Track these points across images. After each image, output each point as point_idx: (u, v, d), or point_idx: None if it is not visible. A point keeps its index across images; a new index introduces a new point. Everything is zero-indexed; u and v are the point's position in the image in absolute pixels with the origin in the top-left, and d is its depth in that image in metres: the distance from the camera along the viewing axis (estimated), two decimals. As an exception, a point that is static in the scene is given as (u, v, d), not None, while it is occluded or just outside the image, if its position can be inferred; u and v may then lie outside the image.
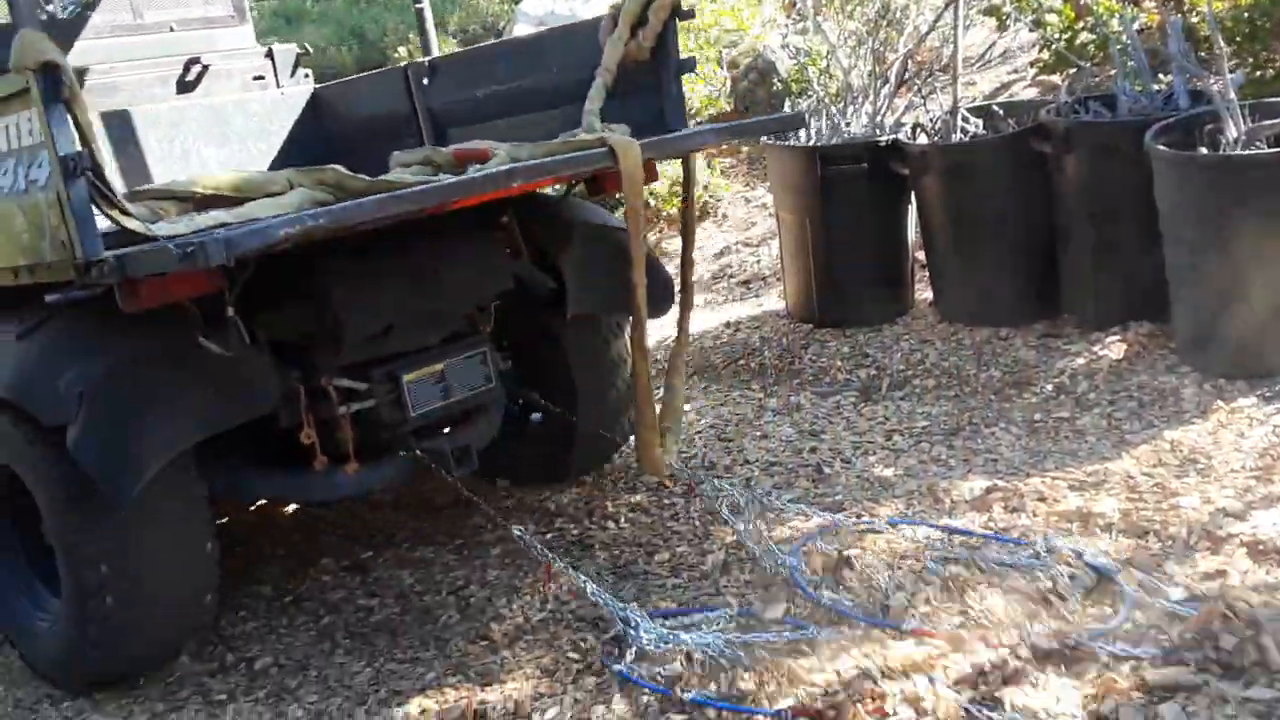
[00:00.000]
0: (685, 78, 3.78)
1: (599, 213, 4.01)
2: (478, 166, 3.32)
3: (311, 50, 5.54)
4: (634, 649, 2.84)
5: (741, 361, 5.35)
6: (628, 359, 3.95)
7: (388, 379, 3.43)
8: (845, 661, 2.62)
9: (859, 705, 2.40)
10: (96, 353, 2.99)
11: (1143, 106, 4.56)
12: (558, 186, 3.86)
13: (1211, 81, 4.22)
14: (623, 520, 3.92)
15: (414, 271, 3.43)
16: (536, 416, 4.16)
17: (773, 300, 6.03)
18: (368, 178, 3.22)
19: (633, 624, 2.91)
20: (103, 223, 2.68)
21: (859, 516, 3.53)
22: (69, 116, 2.60)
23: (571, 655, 2.97)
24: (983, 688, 2.44)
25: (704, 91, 7.93)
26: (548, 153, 3.31)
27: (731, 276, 6.61)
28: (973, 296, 5.04)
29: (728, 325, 5.76)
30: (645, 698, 2.67)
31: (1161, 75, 4.72)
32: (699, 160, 7.25)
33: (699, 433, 4.59)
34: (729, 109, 8.08)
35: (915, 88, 6.11)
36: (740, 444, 4.39)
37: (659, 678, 2.72)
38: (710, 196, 7.37)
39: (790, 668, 2.62)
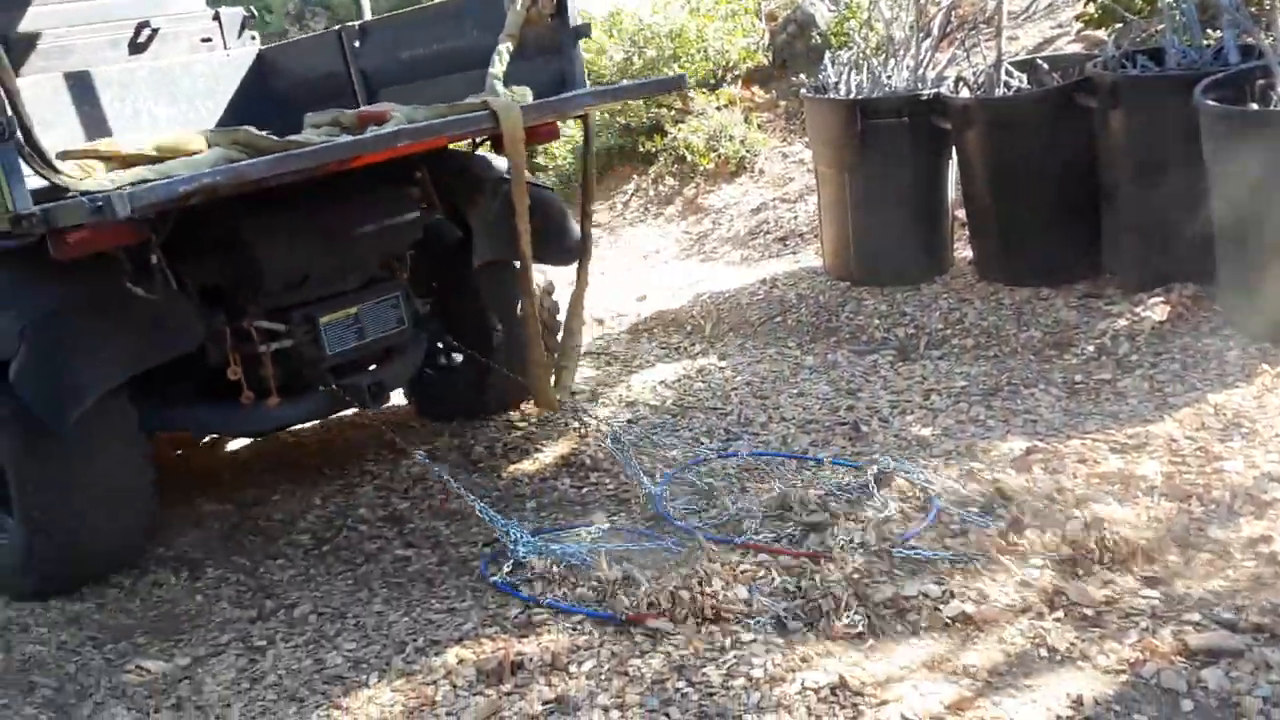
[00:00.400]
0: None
1: (503, 167, 4.06)
2: (374, 128, 3.58)
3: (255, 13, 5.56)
4: (511, 561, 3.26)
5: (778, 319, 5.32)
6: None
7: (305, 321, 3.76)
8: (685, 570, 3.01)
9: (689, 604, 2.83)
10: (34, 296, 3.35)
11: (1191, 61, 4.48)
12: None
13: (1264, 36, 4.12)
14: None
15: (328, 224, 3.78)
16: (456, 357, 4.44)
17: (810, 257, 5.99)
18: (276, 138, 3.51)
19: (513, 539, 3.33)
20: (36, 181, 3.00)
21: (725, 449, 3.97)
22: (2, 88, 2.86)
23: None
24: (798, 599, 2.85)
25: (742, 44, 7.85)
26: (437, 115, 3.60)
27: (768, 233, 6.57)
28: (1013, 255, 4.98)
29: (764, 282, 5.72)
30: (683, 650, 2.69)
31: (1211, 29, 4.61)
32: (737, 114, 7.23)
33: (734, 389, 4.57)
34: (766, 62, 8.00)
35: (958, 41, 6.01)
36: (776, 401, 4.37)
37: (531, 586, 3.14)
38: (747, 152, 7.30)
39: (633, 574, 3.01)
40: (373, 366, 4.05)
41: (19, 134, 2.91)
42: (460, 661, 2.84)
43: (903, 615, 2.74)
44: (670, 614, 2.83)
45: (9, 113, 2.87)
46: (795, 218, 6.57)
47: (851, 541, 3.11)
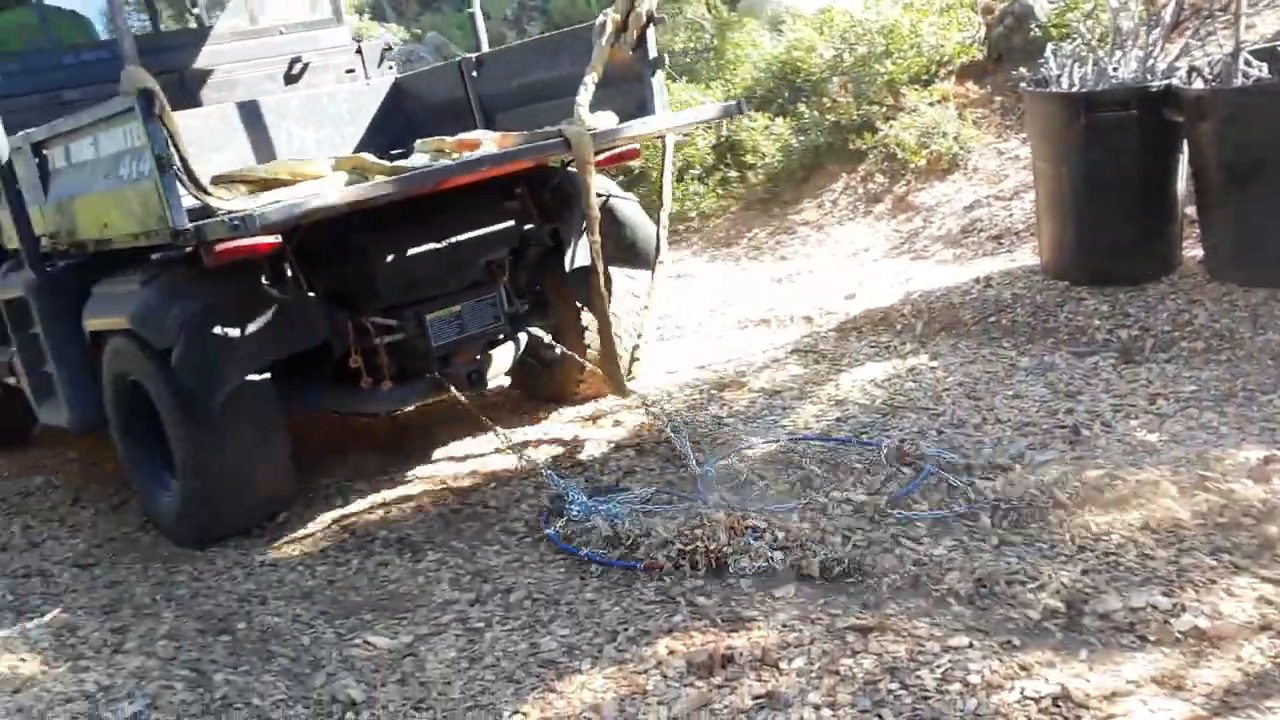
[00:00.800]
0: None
1: (599, 184, 4.53)
2: (467, 154, 4.24)
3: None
4: (565, 518, 3.82)
5: (992, 319, 5.18)
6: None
7: (414, 318, 4.37)
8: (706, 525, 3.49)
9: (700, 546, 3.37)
10: (189, 297, 4.01)
11: None
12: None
13: None
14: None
15: (434, 234, 4.34)
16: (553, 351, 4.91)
17: (1026, 256, 5.81)
18: (385, 163, 4.18)
19: (570, 499, 3.91)
20: (191, 202, 3.67)
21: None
22: (162, 127, 3.55)
23: (820, 609, 2.98)
24: (797, 552, 3.29)
25: (957, 38, 7.67)
26: (518, 143, 4.25)
27: (981, 231, 6.40)
28: (1250, 254, 4.70)
29: (977, 281, 5.58)
30: (896, 652, 2.67)
31: None
32: (951, 110, 7.07)
33: (946, 390, 4.48)
34: (981, 56, 7.79)
35: (1190, 30, 5.71)
36: (990, 402, 4.27)
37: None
38: (960, 148, 7.13)
39: (650, 525, 3.60)
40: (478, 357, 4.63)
41: (178, 164, 3.60)
42: (671, 652, 2.89)
43: (1129, 628, 2.65)
44: (677, 562, 3.37)
45: (171, 149, 3.57)
46: (1010, 215, 6.38)
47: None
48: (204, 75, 5.61)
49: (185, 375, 3.99)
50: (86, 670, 3.32)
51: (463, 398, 4.46)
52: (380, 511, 4.33)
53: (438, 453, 4.96)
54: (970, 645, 2.62)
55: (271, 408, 4.21)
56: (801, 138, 7.86)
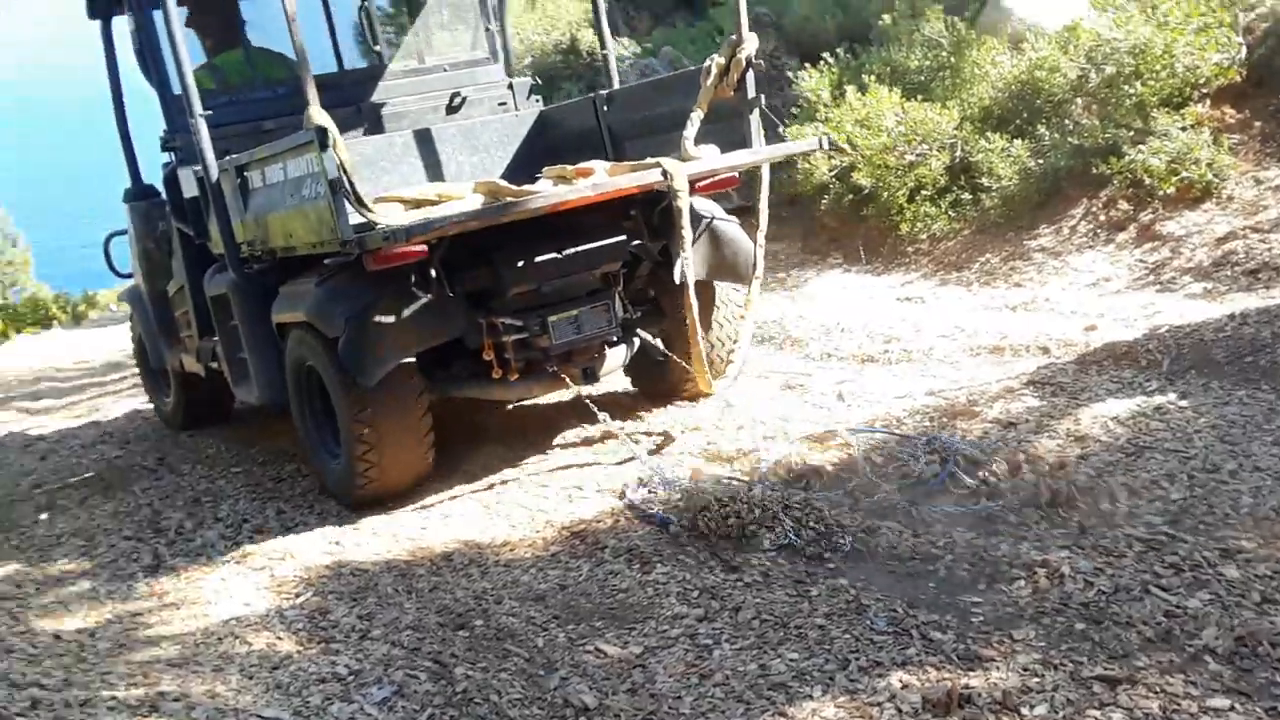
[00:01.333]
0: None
1: (704, 206, 5.46)
2: (581, 181, 4.98)
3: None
4: (647, 489, 4.65)
5: (1249, 358, 4.89)
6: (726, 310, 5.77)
7: (538, 319, 5.05)
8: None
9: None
10: (353, 296, 4.81)
11: None
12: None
13: None
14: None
15: (557, 248, 4.99)
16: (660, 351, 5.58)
17: (1288, 292, 5.48)
18: (514, 187, 4.89)
19: (651, 471, 4.77)
20: (356, 218, 4.46)
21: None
22: (335, 156, 4.36)
23: (1063, 654, 2.89)
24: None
25: (1214, 60, 7.29)
26: (623, 171, 5.05)
27: (1236, 264, 6.06)
28: None
29: (1232, 317, 5.29)
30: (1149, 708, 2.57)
31: None
32: (1205, 135, 6.73)
33: (1197, 431, 4.26)
34: (1240, 79, 7.37)
35: None
36: (1248, 448, 4.02)
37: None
38: (1214, 176, 6.76)
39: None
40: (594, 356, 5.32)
41: (346, 187, 4.39)
42: (904, 686, 2.85)
43: None
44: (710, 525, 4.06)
45: (341, 174, 4.37)
46: (1269, 249, 6.01)
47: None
48: (378, 107, 6.54)
49: (348, 360, 4.81)
50: (337, 653, 3.55)
51: (579, 390, 5.22)
52: (609, 520, 4.44)
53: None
54: (1231, 709, 2.50)
55: (417, 390, 5.07)
56: (1040, 160, 7.61)
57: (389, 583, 4.13)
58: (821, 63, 8.71)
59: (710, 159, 5.18)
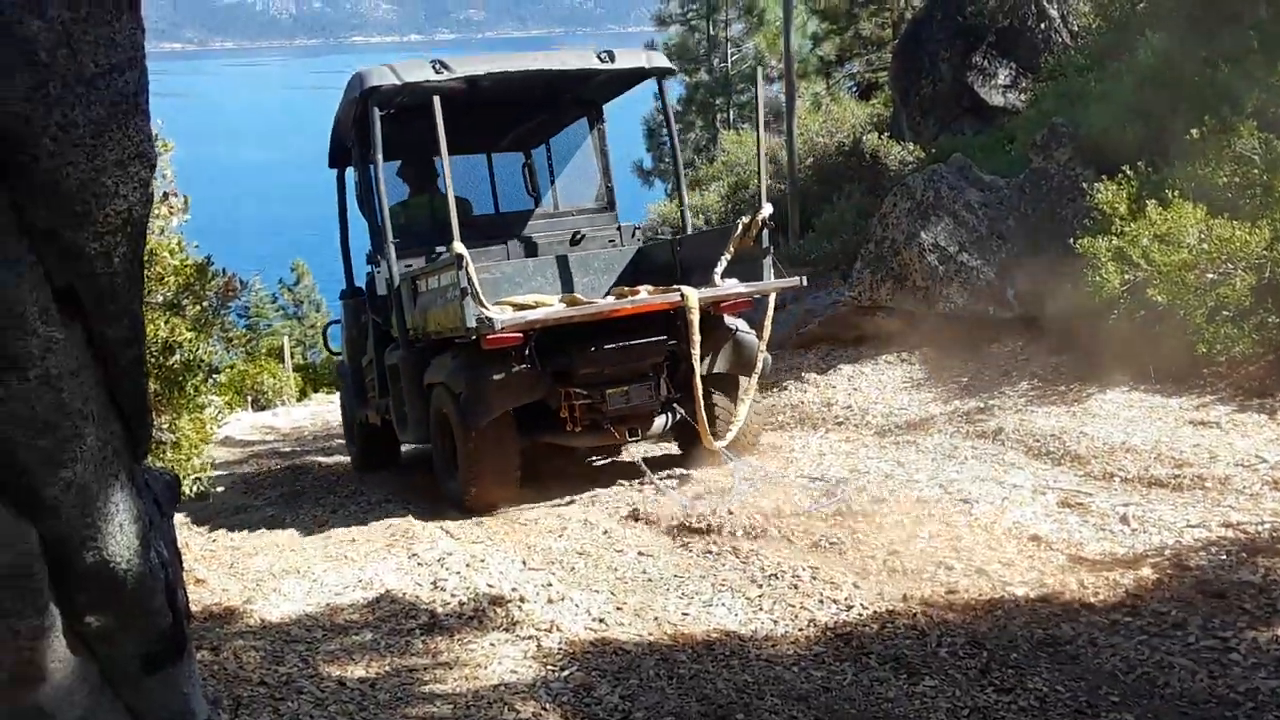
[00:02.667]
0: None
1: (732, 321, 7.68)
2: (629, 299, 7.23)
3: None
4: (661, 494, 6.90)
5: None
6: (735, 394, 7.85)
7: (599, 391, 7.23)
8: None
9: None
10: (474, 366, 7.02)
11: None
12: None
13: None
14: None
15: (614, 342, 7.13)
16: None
17: None
18: (585, 299, 7.21)
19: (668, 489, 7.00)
20: (477, 313, 6.65)
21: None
22: (466, 273, 6.63)
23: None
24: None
25: None
26: (656, 293, 7.27)
27: None
28: None
29: None
30: None
31: None
32: None
33: None
34: None
35: None
36: None
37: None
38: None
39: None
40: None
41: (471, 293, 6.64)
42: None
43: None
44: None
45: (468, 284, 6.64)
46: None
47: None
48: (524, 239, 9.21)
49: (465, 409, 7.05)
50: (601, 729, 3.63)
51: (626, 445, 7.64)
52: (874, 625, 4.38)
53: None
54: None
55: (513, 433, 7.34)
56: (1362, 287, 7.07)
57: (651, 665, 4.17)
58: (1120, 175, 8.45)
59: (725, 288, 7.40)
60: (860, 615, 4.49)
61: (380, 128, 7.80)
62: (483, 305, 6.62)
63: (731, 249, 7.45)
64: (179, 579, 2.77)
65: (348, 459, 11.37)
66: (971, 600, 4.49)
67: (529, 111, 9.55)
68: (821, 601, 4.68)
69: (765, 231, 7.42)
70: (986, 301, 9.38)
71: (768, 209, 7.41)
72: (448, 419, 7.44)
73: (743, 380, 7.70)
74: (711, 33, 27.86)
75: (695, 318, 6.97)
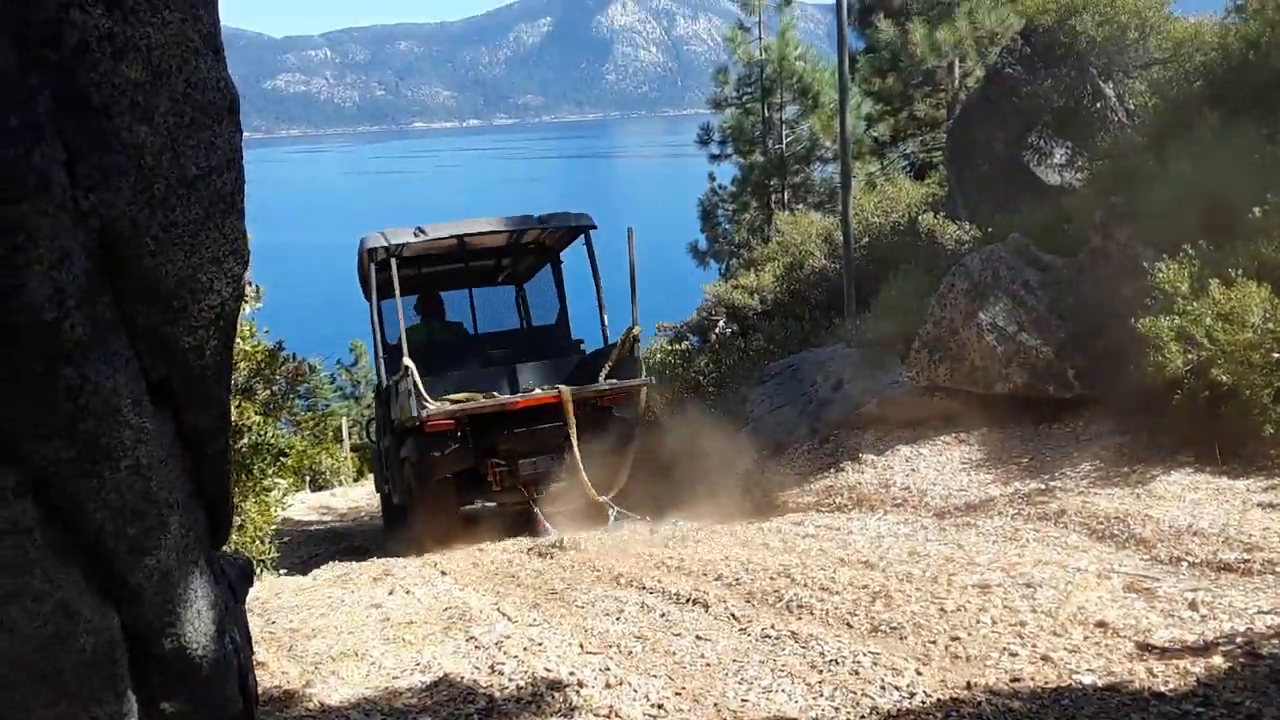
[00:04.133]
0: None
1: (620, 410, 10.54)
2: (521, 394, 10.58)
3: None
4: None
5: None
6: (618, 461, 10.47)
7: (513, 462, 10.14)
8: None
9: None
10: (417, 445, 10.07)
11: None
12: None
13: None
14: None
15: (523, 426, 10.01)
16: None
17: None
18: (495, 396, 10.20)
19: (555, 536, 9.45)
20: (423, 408, 9.84)
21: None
22: (413, 380, 9.64)
23: None
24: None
25: None
26: (538, 389, 10.40)
27: None
28: None
29: None
30: None
31: None
32: None
33: None
34: None
35: None
36: None
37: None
38: None
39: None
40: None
41: (415, 394, 9.62)
42: None
43: None
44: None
45: (414, 389, 9.65)
46: None
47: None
48: (494, 352, 12.29)
49: (416, 475, 10.07)
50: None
51: (533, 503, 10.13)
52: (938, 714, 4.33)
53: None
54: None
55: (452, 497, 10.12)
56: None
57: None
58: (1181, 254, 8.41)
59: (597, 385, 10.30)
60: (923, 703, 4.44)
61: (376, 276, 10.90)
62: (425, 401, 9.53)
63: (613, 357, 10.46)
64: (250, 664, 2.83)
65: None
66: (1037, 688, 4.42)
67: (498, 258, 12.67)
68: (883, 688, 4.63)
69: (637, 345, 10.59)
70: (1046, 381, 9.32)
71: (637, 328, 10.48)
72: (410, 485, 10.50)
73: (625, 450, 10.44)
74: (766, 115, 28.18)
75: (569, 408, 9.89)
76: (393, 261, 10.42)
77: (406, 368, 9.42)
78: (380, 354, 11.31)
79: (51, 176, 1.73)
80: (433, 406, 9.45)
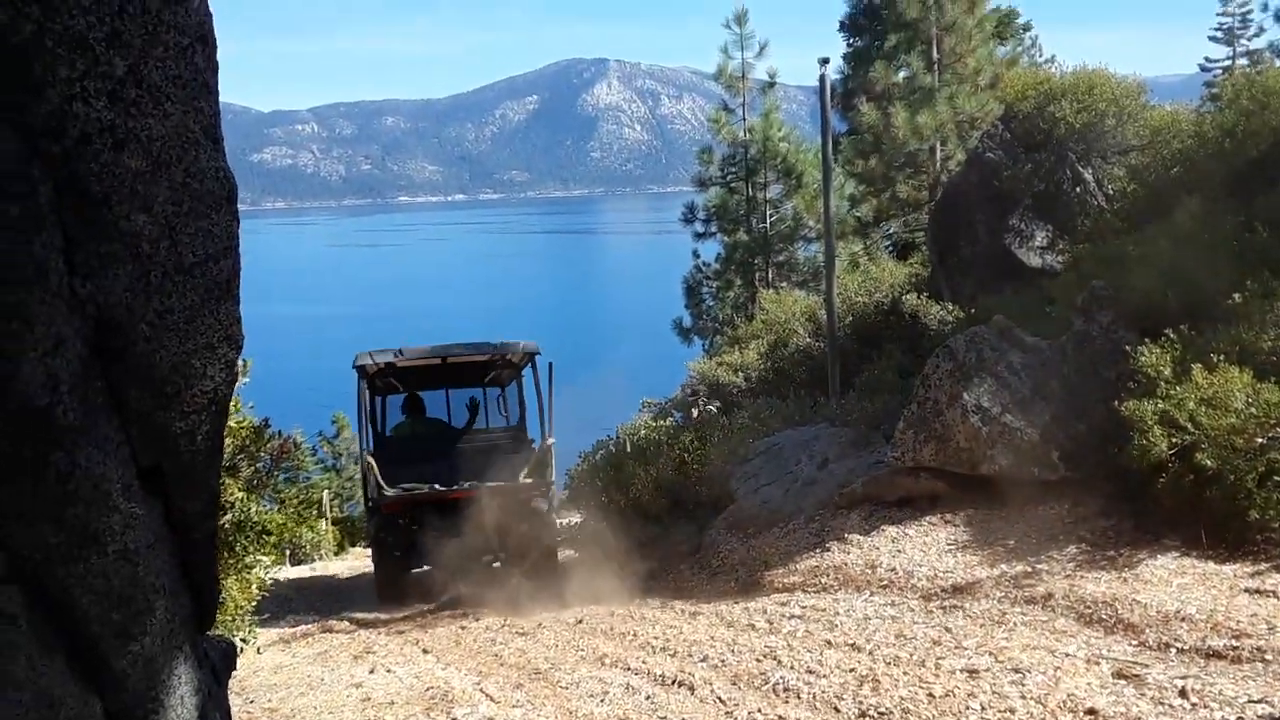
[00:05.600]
0: None
1: (536, 503, 13.15)
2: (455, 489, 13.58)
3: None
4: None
5: None
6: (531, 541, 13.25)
7: (443, 538, 12.60)
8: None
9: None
10: (381, 521, 13.15)
11: None
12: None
13: None
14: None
15: (459, 511, 12.59)
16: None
17: None
18: (435, 487, 13.26)
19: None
20: (381, 492, 13.01)
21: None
22: (374, 471, 12.96)
23: None
24: None
25: None
26: (466, 483, 13.46)
27: None
28: None
29: None
30: None
31: None
32: None
33: None
34: None
35: None
36: None
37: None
38: None
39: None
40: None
41: (375, 482, 12.85)
42: None
43: None
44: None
45: (374, 477, 12.91)
46: None
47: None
48: (460, 444, 15.04)
49: (375, 548, 13.63)
50: None
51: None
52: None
53: None
54: None
55: (405, 560, 13.06)
56: None
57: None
58: (1163, 338, 8.50)
59: (511, 485, 13.07)
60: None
61: (368, 389, 14.01)
62: (382, 487, 12.57)
63: (533, 461, 13.56)
64: (232, 749, 2.76)
65: (385, 615, 12.34)
66: None
67: (468, 372, 15.35)
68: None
69: (548, 452, 13.26)
70: (1031, 463, 9.33)
71: (551, 440, 13.24)
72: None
73: (537, 533, 13.01)
74: (750, 194, 28.51)
75: (484, 501, 12.46)
76: (363, 381, 13.85)
77: (368, 463, 12.91)
78: (362, 447, 13.99)
79: (50, 265, 1.74)
80: (390, 492, 12.66)
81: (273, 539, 7.06)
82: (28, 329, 1.71)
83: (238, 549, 6.80)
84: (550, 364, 13.47)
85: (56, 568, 1.94)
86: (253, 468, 7.11)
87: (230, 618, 7.06)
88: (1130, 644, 6.11)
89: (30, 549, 1.90)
